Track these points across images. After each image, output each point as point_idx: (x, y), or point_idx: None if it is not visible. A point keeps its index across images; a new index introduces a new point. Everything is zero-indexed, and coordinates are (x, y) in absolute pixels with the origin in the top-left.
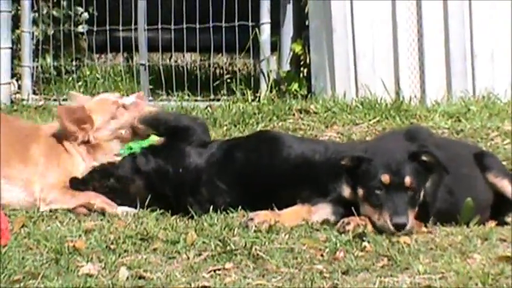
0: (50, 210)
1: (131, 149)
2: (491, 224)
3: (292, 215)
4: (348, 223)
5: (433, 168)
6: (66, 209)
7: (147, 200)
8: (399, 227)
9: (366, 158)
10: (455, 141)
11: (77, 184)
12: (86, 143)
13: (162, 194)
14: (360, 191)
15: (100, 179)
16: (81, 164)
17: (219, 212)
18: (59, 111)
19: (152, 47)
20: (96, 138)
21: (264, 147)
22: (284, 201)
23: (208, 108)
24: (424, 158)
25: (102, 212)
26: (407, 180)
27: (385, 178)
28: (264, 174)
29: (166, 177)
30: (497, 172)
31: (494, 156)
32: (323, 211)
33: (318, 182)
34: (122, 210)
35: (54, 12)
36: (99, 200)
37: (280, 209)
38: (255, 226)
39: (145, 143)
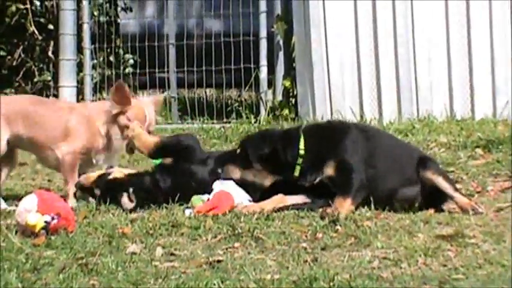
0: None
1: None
2: (431, 211)
3: (270, 202)
4: (325, 212)
5: None
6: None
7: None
8: None
9: None
10: (404, 143)
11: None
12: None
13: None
14: None
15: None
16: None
17: None
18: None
19: (180, 84)
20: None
21: None
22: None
23: (222, 128)
24: None
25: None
26: None
27: None
28: None
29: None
30: (435, 171)
31: (434, 159)
32: (294, 196)
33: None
34: (71, 204)
35: (111, 58)
36: (72, 189)
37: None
38: (246, 214)
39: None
